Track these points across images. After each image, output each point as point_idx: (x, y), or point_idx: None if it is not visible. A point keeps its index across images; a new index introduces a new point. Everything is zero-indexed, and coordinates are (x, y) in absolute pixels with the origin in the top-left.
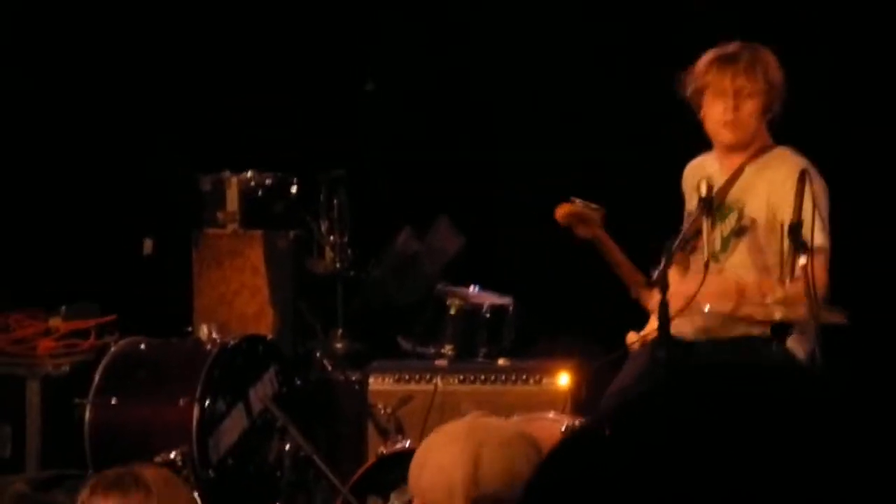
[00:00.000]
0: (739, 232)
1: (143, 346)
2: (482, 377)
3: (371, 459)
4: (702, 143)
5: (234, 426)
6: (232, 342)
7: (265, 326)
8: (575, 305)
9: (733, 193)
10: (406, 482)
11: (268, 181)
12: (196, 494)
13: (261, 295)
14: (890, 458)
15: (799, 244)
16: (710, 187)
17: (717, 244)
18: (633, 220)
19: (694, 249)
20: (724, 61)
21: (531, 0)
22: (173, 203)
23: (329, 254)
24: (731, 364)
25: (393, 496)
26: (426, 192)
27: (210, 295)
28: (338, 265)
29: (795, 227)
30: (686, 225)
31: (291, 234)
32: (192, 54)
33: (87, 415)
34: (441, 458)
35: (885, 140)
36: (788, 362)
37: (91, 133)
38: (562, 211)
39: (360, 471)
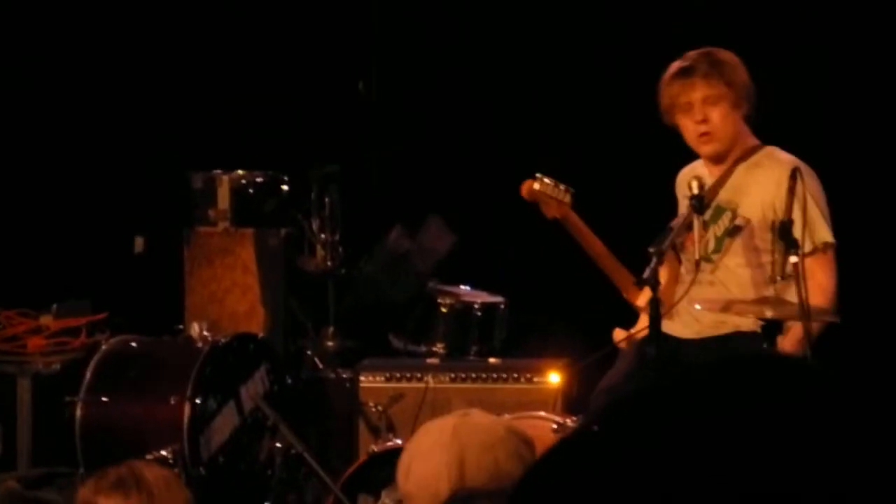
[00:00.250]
0: (733, 232)
1: (134, 345)
2: (473, 375)
3: (362, 457)
4: None
5: (225, 424)
6: (223, 340)
7: (256, 324)
8: (566, 304)
9: (725, 194)
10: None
11: (259, 179)
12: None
13: (252, 293)
14: (890, 458)
15: (790, 243)
16: (700, 186)
17: (711, 245)
18: (632, 221)
19: (684, 248)
20: (682, 76)
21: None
22: (164, 201)
23: (320, 252)
24: (725, 360)
25: (384, 494)
26: (418, 191)
27: (201, 293)
28: (329, 263)
29: (786, 226)
30: (676, 222)
31: (283, 232)
32: (183, 53)
33: (78, 413)
34: (425, 467)
35: (878, 138)
36: (783, 357)
37: (82, 131)
38: (526, 187)
39: (351, 469)
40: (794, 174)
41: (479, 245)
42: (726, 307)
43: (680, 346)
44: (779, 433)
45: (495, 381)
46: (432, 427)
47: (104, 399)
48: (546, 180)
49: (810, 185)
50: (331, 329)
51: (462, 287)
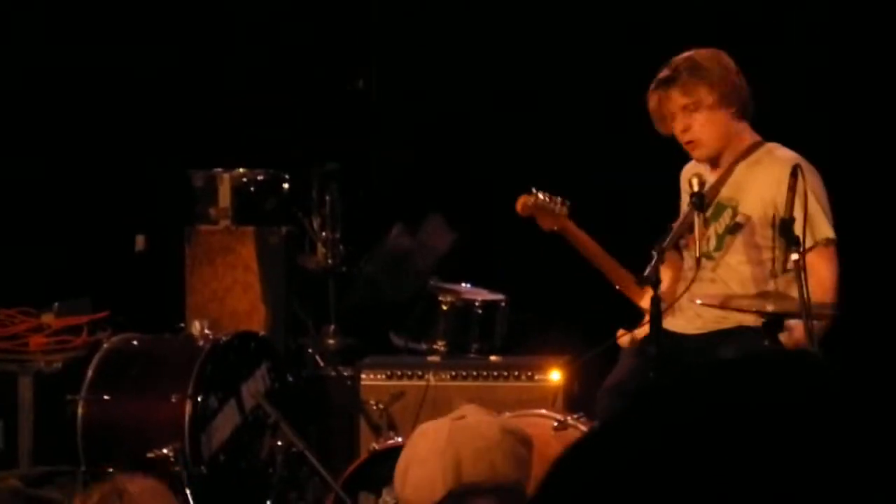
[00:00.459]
0: (734, 229)
1: (135, 343)
2: (474, 373)
3: (363, 455)
4: None
5: (226, 422)
6: (224, 338)
7: (257, 323)
8: (567, 302)
9: (726, 192)
10: None
11: (260, 177)
12: (188, 491)
13: (253, 291)
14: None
15: (791, 240)
16: (701, 183)
17: (712, 242)
18: (632, 221)
19: (686, 246)
20: (661, 86)
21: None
22: (165, 199)
23: (321, 250)
24: (732, 361)
25: (385, 492)
26: (418, 189)
27: (202, 291)
28: (330, 261)
29: (787, 223)
30: (677, 222)
31: (283, 230)
32: (184, 52)
33: (80, 411)
34: (421, 474)
35: (878, 135)
36: (788, 354)
37: (83, 130)
38: (521, 202)
39: (352, 467)
40: (794, 171)
41: (479, 243)
42: (726, 302)
43: (682, 342)
44: (780, 432)
45: (496, 378)
46: (428, 431)
47: (105, 397)
48: (540, 195)
49: (811, 180)
50: (332, 327)
51: (463, 285)
